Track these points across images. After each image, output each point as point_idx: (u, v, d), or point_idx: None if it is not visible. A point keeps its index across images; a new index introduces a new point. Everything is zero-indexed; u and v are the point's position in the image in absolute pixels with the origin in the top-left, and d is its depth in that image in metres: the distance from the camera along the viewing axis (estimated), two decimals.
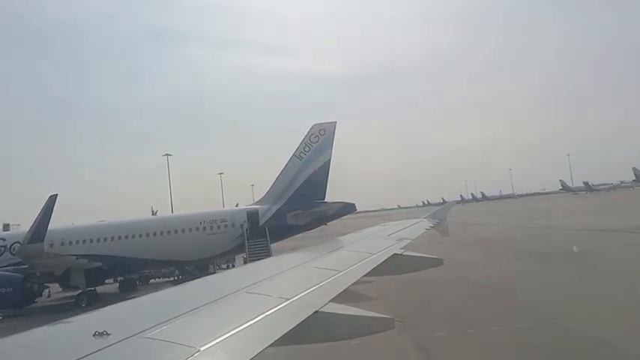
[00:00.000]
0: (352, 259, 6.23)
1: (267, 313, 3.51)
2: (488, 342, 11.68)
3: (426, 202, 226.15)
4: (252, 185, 76.92)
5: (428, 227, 11.73)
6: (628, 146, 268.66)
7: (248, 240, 28.72)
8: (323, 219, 32.25)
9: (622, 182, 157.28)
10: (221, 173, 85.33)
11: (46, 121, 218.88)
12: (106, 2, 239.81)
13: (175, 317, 3.34)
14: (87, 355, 2.50)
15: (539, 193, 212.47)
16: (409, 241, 8.64)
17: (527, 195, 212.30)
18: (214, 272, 31.01)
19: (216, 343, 2.81)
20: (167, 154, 61.24)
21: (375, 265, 6.09)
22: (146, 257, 28.84)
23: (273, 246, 29.38)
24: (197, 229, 29.54)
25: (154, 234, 29.48)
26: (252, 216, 29.82)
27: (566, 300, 14.89)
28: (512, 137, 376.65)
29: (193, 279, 25.83)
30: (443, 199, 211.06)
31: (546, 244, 30.13)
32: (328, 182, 30.99)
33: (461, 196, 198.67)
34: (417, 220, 12.86)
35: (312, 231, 32.76)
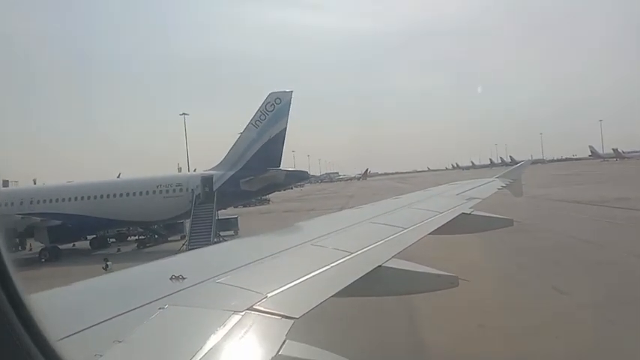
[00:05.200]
0: (418, 217, 6.18)
1: (332, 264, 3.61)
2: None
3: (455, 165, 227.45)
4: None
5: (500, 187, 11.29)
6: None
7: (197, 204, 29.67)
8: (275, 185, 33.28)
9: None
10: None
11: (70, 74, 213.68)
12: None
13: (244, 265, 3.53)
14: (167, 296, 2.72)
15: (569, 159, 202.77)
16: (479, 200, 8.40)
17: (557, 160, 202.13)
18: (185, 233, 32.07)
19: (283, 290, 2.95)
20: (184, 114, 61.27)
21: (442, 224, 6.02)
22: (107, 217, 30.60)
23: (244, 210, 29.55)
24: (154, 192, 30.87)
25: (114, 195, 30.94)
26: (206, 181, 30.76)
27: None
28: (546, 100, 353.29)
29: (162, 239, 29.02)
30: (472, 162, 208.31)
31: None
32: (286, 149, 31.53)
33: (490, 160, 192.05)
34: (490, 179, 12.42)
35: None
